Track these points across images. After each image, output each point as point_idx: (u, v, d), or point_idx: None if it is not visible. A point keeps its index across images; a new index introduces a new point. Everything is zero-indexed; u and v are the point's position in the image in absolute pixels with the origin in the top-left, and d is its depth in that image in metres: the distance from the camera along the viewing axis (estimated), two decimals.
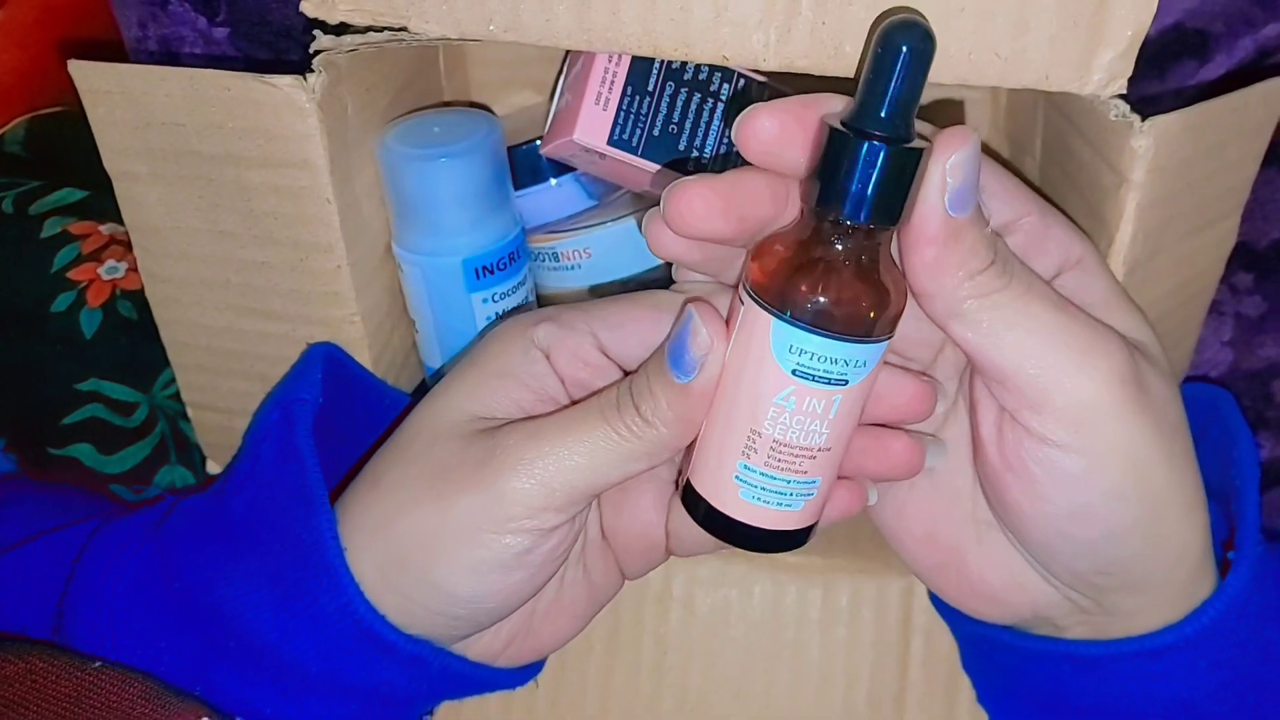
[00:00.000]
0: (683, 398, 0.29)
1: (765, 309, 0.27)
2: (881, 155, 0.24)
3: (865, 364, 0.27)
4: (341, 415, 0.35)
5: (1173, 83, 0.44)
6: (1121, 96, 0.30)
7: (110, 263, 0.45)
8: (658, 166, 0.36)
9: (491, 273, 0.38)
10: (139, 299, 0.44)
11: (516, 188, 0.41)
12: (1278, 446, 0.49)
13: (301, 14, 0.31)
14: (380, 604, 0.30)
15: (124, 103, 0.33)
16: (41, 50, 0.52)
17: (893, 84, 0.24)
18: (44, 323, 0.44)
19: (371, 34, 0.31)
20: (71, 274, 0.44)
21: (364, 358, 0.37)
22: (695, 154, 0.37)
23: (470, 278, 0.37)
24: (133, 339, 0.44)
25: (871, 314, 0.26)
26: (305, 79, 0.31)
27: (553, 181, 0.42)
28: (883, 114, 0.25)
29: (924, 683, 0.40)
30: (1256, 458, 0.33)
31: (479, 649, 0.34)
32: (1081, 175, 0.35)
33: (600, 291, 0.42)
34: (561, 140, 0.36)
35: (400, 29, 0.31)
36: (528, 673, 0.36)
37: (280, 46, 0.43)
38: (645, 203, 0.42)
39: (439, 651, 0.31)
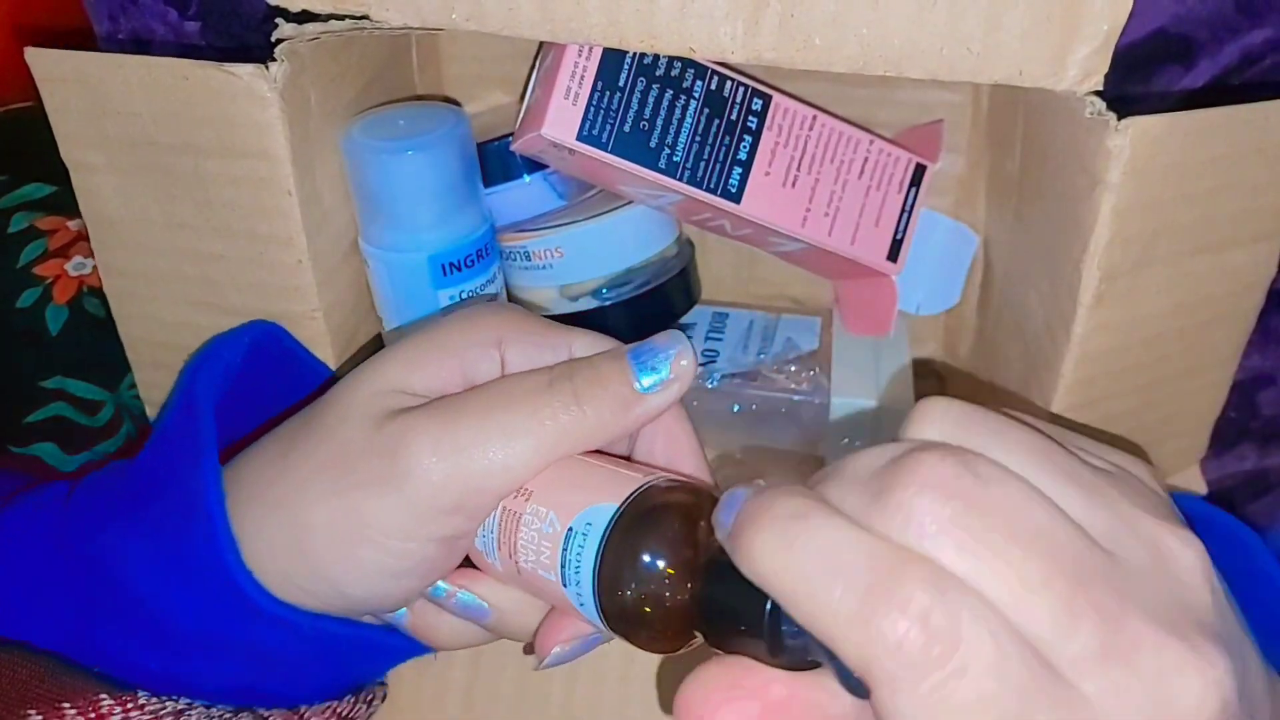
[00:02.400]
0: (630, 400, 0.28)
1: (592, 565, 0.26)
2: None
3: (592, 618, 0.27)
4: (272, 392, 0.34)
5: (1157, 89, 0.44)
6: (1098, 94, 0.29)
7: (77, 259, 0.44)
8: (628, 163, 0.36)
9: (459, 269, 0.37)
10: (106, 296, 0.44)
11: (488, 185, 0.40)
12: (1263, 458, 0.49)
13: (270, 7, 0.31)
14: (263, 574, 0.29)
15: (80, 91, 0.33)
16: (8, 45, 0.51)
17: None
18: (8, 319, 0.43)
19: (334, 22, 0.31)
20: (38, 269, 0.44)
21: (327, 355, 0.36)
22: (667, 151, 0.36)
23: (437, 274, 0.36)
24: (99, 336, 0.43)
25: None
26: (267, 68, 0.31)
27: (525, 179, 0.41)
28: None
29: None
30: None
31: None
32: (1058, 178, 0.34)
33: (571, 292, 0.42)
34: (531, 135, 0.36)
35: (362, 17, 0.30)
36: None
37: (250, 40, 0.43)
38: (618, 202, 0.41)
39: (313, 616, 0.30)
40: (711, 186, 0.37)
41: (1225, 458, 0.48)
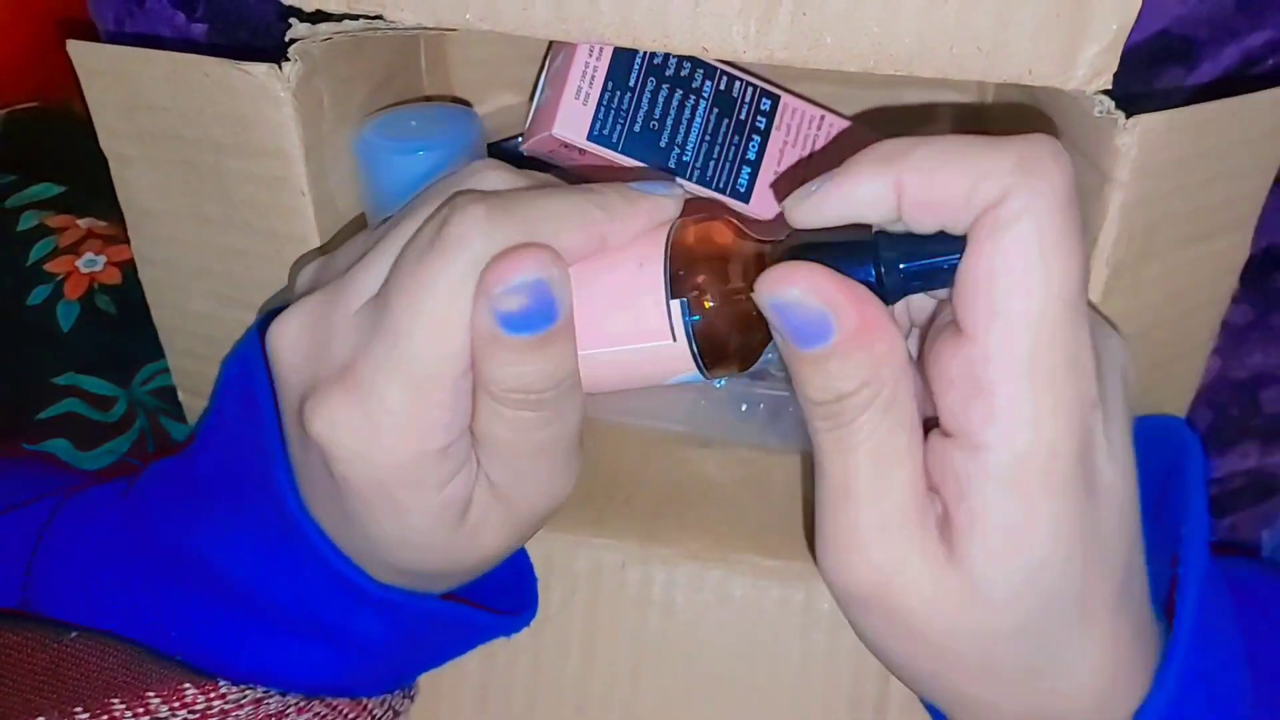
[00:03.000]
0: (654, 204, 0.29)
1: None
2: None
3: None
4: None
5: (1159, 90, 0.44)
6: (1106, 93, 0.30)
7: (88, 255, 0.44)
8: (638, 163, 0.36)
9: None
10: (117, 292, 0.44)
11: None
12: (1265, 456, 0.49)
13: (278, 10, 0.31)
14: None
15: (115, 84, 0.33)
16: (16, 46, 0.51)
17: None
18: (20, 316, 0.43)
19: (347, 22, 0.31)
20: (49, 266, 0.44)
21: None
22: (676, 151, 0.36)
23: None
24: (111, 333, 0.43)
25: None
26: (280, 67, 0.31)
27: None
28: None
29: (905, 690, 0.39)
30: (1206, 535, 0.29)
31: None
32: None
33: None
34: (541, 135, 0.36)
35: (376, 17, 0.30)
36: (519, 619, 0.36)
37: (258, 43, 0.43)
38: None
39: (412, 595, 0.31)
40: (721, 186, 0.37)
41: (1228, 456, 0.48)
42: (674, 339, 0.27)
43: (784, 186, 0.39)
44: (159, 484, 0.33)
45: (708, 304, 0.27)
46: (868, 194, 0.24)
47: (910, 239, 0.25)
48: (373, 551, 0.29)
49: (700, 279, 0.27)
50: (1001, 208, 0.23)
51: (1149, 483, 0.29)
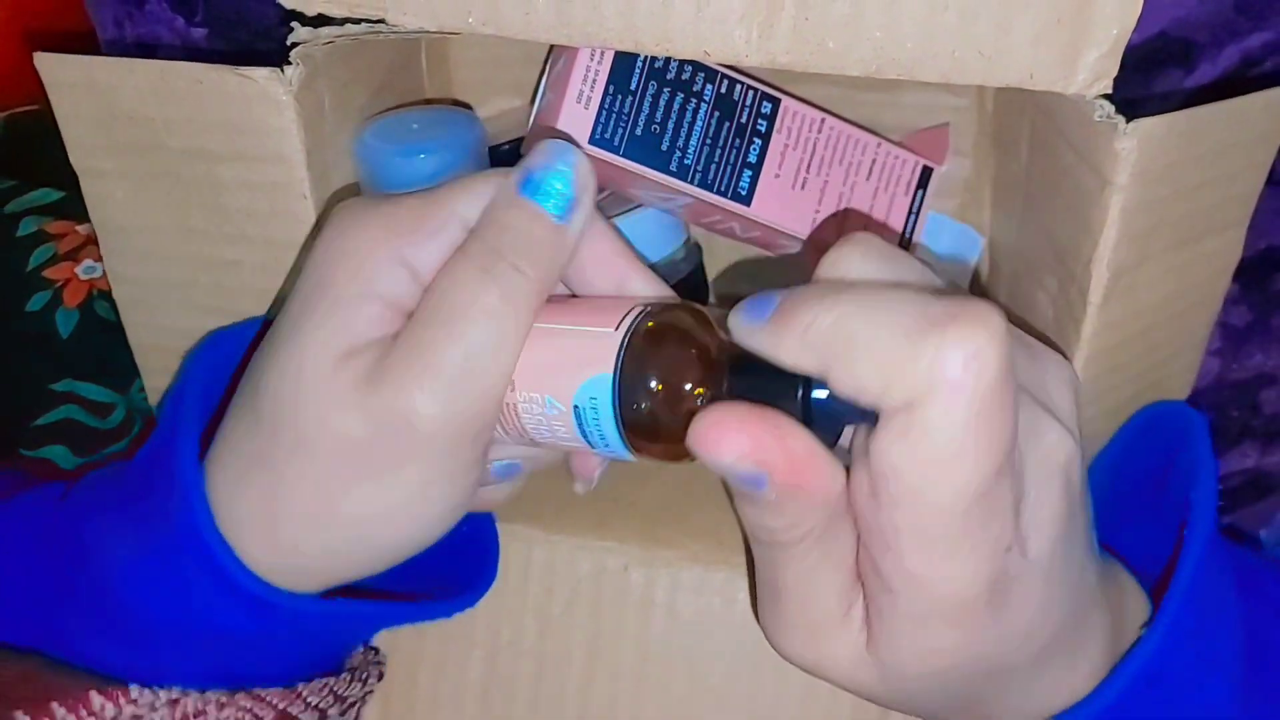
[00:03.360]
0: (558, 238, 0.28)
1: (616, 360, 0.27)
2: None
3: (618, 453, 0.28)
4: None
5: (1158, 91, 0.44)
6: (1107, 97, 0.30)
7: (87, 262, 0.44)
8: (640, 167, 0.36)
9: None
10: None
11: None
12: (1264, 456, 0.49)
13: (278, 14, 0.31)
14: (277, 555, 0.29)
15: (90, 96, 0.33)
16: (15, 48, 0.51)
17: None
18: (19, 322, 0.43)
19: (349, 26, 0.31)
20: (48, 273, 0.44)
21: None
22: (678, 154, 0.36)
23: None
24: (110, 339, 0.43)
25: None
26: (283, 71, 0.31)
27: None
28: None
29: None
30: (1214, 498, 0.31)
31: None
32: (1066, 179, 0.34)
33: None
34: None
35: (378, 20, 0.30)
36: (447, 606, 0.36)
37: (258, 47, 0.43)
38: (626, 205, 0.41)
39: (290, 596, 0.29)
40: (722, 189, 0.37)
41: (1228, 456, 0.49)
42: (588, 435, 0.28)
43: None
44: (81, 487, 0.32)
45: (648, 406, 0.26)
46: (792, 363, 0.24)
47: None
48: (344, 525, 0.28)
49: (650, 385, 0.26)
50: (909, 415, 0.22)
51: (1151, 463, 0.31)
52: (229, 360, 0.32)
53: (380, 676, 0.37)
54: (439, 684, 0.40)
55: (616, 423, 0.27)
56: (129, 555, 0.29)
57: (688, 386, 0.26)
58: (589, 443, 0.28)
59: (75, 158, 0.34)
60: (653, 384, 0.26)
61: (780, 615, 0.28)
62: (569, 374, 0.27)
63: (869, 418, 0.23)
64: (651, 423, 0.26)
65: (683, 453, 0.26)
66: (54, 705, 0.27)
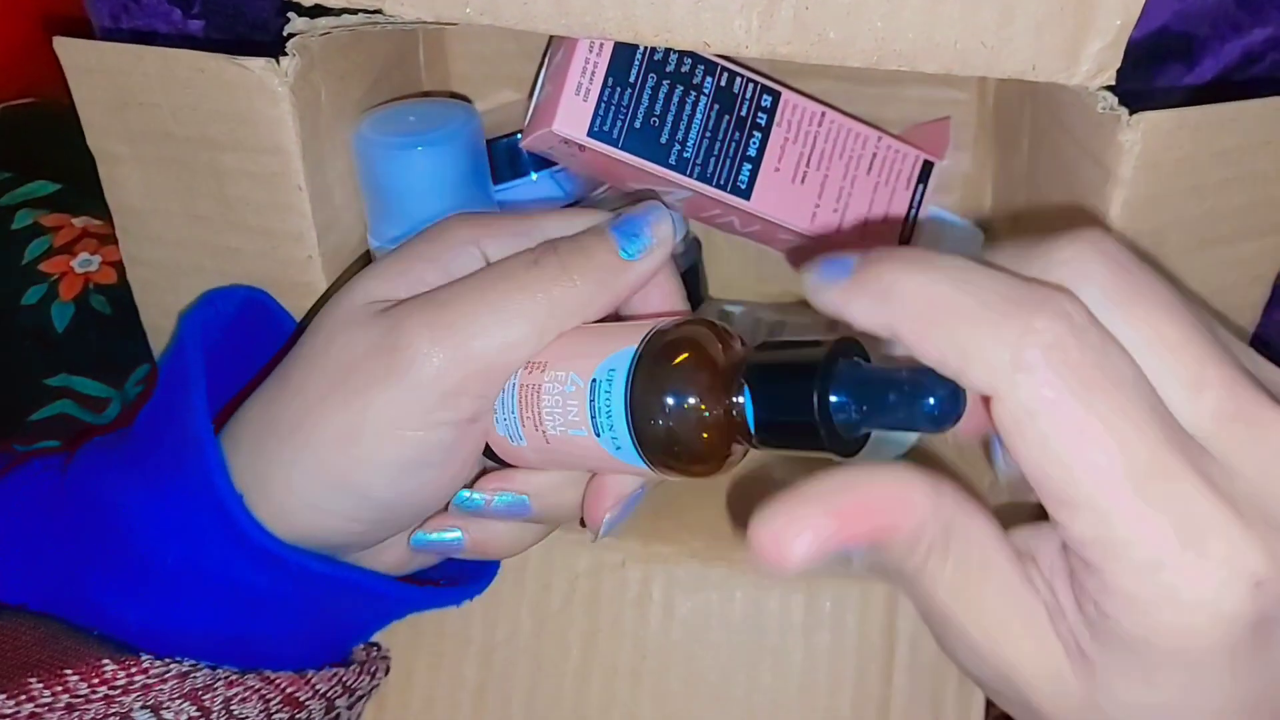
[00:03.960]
0: (618, 268, 0.29)
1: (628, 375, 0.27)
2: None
3: (631, 460, 0.28)
4: (263, 347, 0.34)
5: (1161, 85, 0.44)
6: (1110, 88, 0.29)
7: (83, 256, 0.44)
8: (639, 160, 0.36)
9: None
10: (113, 293, 0.44)
11: (495, 182, 0.40)
12: None
13: (275, 6, 0.31)
14: (279, 512, 0.29)
15: (104, 82, 0.33)
16: (10, 40, 0.51)
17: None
18: (14, 316, 0.43)
19: (346, 16, 0.31)
20: (43, 266, 0.43)
21: None
22: (677, 147, 0.36)
23: None
24: (106, 333, 0.43)
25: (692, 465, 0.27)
26: (278, 62, 0.31)
27: (533, 176, 0.41)
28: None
29: (909, 690, 0.39)
30: None
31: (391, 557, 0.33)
32: (1068, 172, 0.34)
33: None
34: (541, 132, 0.36)
35: (375, 11, 0.30)
36: (452, 594, 0.35)
37: (255, 38, 0.43)
38: (630, 200, 0.41)
39: (299, 552, 0.29)
40: (721, 183, 0.37)
41: None
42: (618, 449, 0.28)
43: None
44: (88, 448, 0.32)
45: (659, 420, 0.27)
46: (862, 322, 0.23)
47: (882, 379, 0.23)
48: (356, 476, 0.29)
49: (666, 368, 0.27)
50: (1001, 407, 0.20)
51: None
52: (221, 317, 0.33)
53: (386, 671, 0.37)
54: (435, 680, 0.39)
55: (625, 399, 0.27)
56: (144, 506, 0.29)
57: (693, 385, 0.26)
58: (594, 427, 0.27)
59: (92, 140, 0.35)
60: (666, 369, 0.27)
61: (956, 638, 0.24)
62: (597, 353, 0.28)
63: (890, 421, 0.23)
64: (658, 401, 0.26)
65: (684, 450, 0.26)
66: (67, 673, 0.28)
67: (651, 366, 0.27)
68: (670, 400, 0.26)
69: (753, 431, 0.25)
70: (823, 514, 0.22)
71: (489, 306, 0.28)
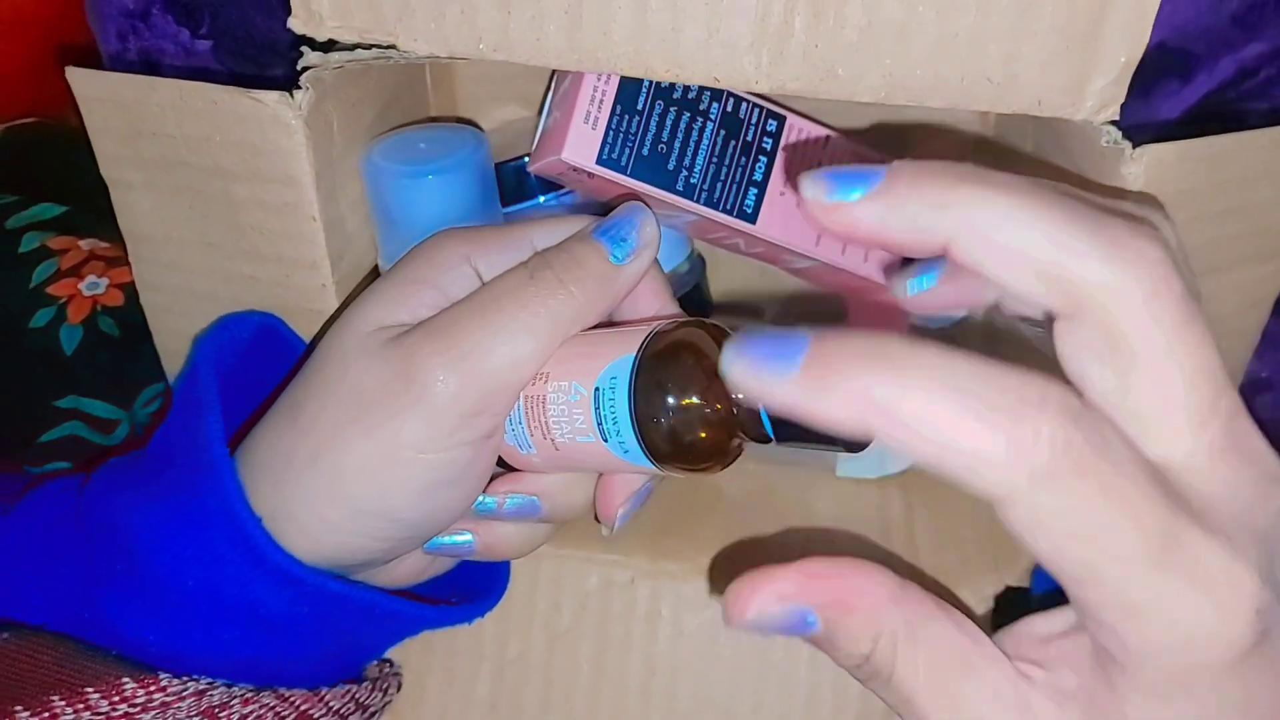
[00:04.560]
0: (610, 274, 0.30)
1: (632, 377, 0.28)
2: None
3: (638, 461, 0.29)
4: (274, 372, 0.35)
5: (1155, 102, 0.45)
6: (1114, 123, 0.30)
7: (91, 278, 0.44)
8: (647, 186, 0.36)
9: None
10: (120, 314, 0.44)
11: (505, 204, 0.40)
12: None
13: (286, 29, 0.31)
14: (302, 536, 0.30)
15: (117, 111, 0.33)
16: (14, 61, 0.51)
17: None
18: (22, 339, 0.43)
19: (359, 51, 0.31)
20: (51, 289, 0.44)
21: None
22: (684, 173, 0.36)
23: None
24: (114, 356, 0.43)
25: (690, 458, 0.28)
26: (292, 95, 0.31)
27: (540, 199, 0.41)
28: None
29: None
30: None
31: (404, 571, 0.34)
32: None
33: None
34: (550, 159, 0.36)
35: (389, 46, 0.31)
36: (464, 611, 0.36)
37: (264, 61, 0.43)
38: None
39: (315, 572, 0.30)
40: (728, 208, 0.37)
41: None
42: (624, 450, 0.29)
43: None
44: (103, 470, 0.33)
45: (663, 420, 0.28)
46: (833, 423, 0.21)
47: None
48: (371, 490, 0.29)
49: (666, 370, 0.28)
50: (1016, 511, 0.20)
51: None
52: (236, 342, 0.34)
53: (399, 688, 0.38)
54: (447, 698, 0.40)
55: (629, 403, 0.28)
56: (161, 529, 0.30)
57: (693, 382, 0.27)
58: (601, 433, 0.28)
59: (105, 169, 0.35)
60: (667, 370, 0.28)
61: None
62: (598, 361, 0.29)
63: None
64: (660, 403, 0.28)
65: (690, 449, 0.28)
66: (89, 691, 0.28)
67: (651, 371, 0.28)
68: (672, 401, 0.27)
69: (768, 426, 0.27)
70: (787, 575, 0.23)
71: (495, 327, 0.29)
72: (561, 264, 0.30)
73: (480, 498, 0.32)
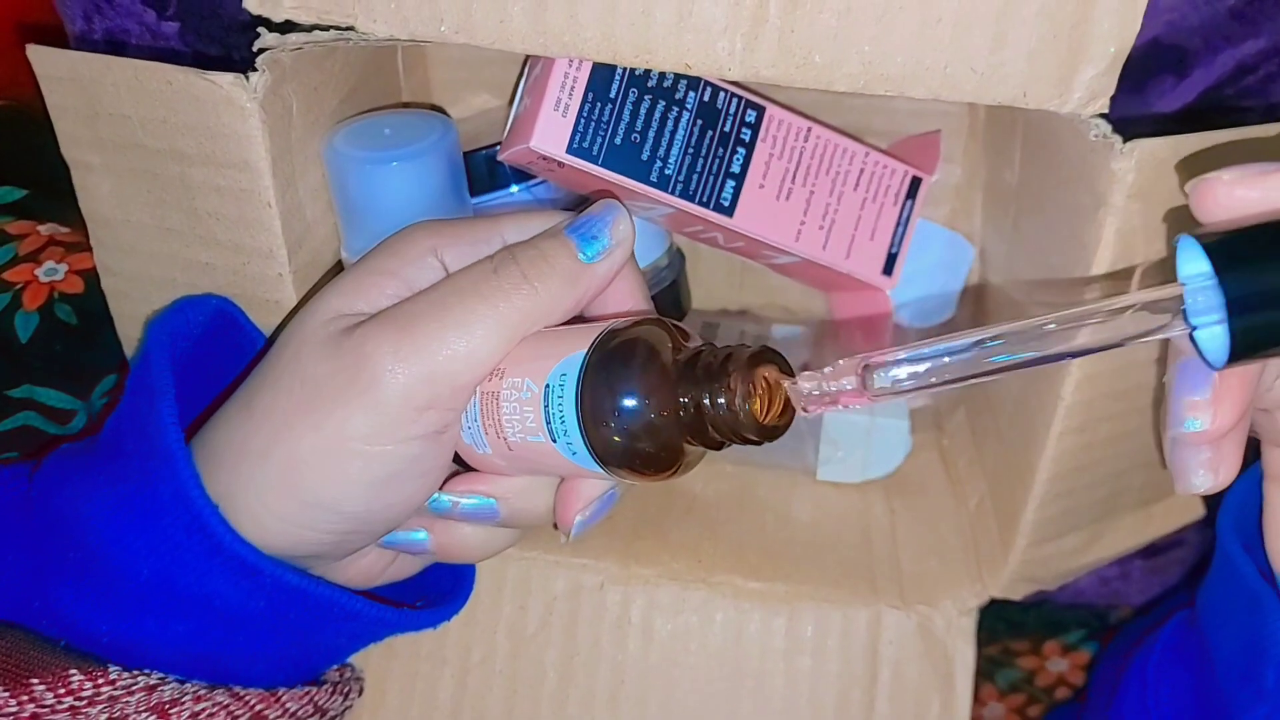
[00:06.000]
0: (578, 272, 0.29)
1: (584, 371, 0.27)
2: None
3: (587, 464, 0.27)
4: (232, 358, 0.34)
5: (1151, 98, 0.43)
6: (1103, 116, 0.29)
7: (49, 264, 0.43)
8: (619, 177, 0.35)
9: None
10: (78, 302, 0.42)
11: (474, 194, 0.39)
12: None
13: (252, 15, 0.30)
14: (254, 529, 0.29)
15: (76, 90, 0.32)
16: None
17: None
18: None
19: (317, 32, 0.30)
20: (7, 275, 0.42)
21: None
22: (659, 164, 0.35)
23: None
24: (71, 344, 0.42)
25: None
26: (247, 78, 0.30)
27: (513, 189, 0.40)
28: None
29: (891, 716, 0.38)
30: None
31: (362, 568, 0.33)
32: (1060, 194, 0.33)
33: None
34: (519, 147, 0.35)
35: (347, 28, 0.29)
36: (426, 616, 0.34)
37: (232, 43, 0.42)
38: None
39: (274, 563, 0.29)
40: (704, 200, 0.36)
41: None
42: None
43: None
44: (54, 457, 0.32)
45: (610, 423, 0.27)
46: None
47: None
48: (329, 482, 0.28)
49: (616, 366, 0.27)
50: None
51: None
52: (191, 326, 0.33)
53: (360, 692, 0.36)
54: (409, 703, 0.39)
55: (575, 403, 0.26)
56: (114, 517, 0.29)
57: (638, 385, 0.26)
58: (550, 433, 0.27)
59: (65, 149, 0.34)
60: (613, 371, 0.26)
61: None
62: (551, 358, 0.27)
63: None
64: (607, 404, 0.26)
65: (636, 454, 0.26)
66: (34, 682, 0.27)
67: (600, 369, 0.27)
68: (619, 403, 0.26)
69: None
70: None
71: (452, 321, 0.28)
72: (527, 259, 0.29)
73: (435, 495, 0.31)
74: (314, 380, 0.28)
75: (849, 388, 0.25)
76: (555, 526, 0.31)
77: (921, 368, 0.24)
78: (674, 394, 0.26)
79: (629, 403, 0.26)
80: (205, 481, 0.29)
